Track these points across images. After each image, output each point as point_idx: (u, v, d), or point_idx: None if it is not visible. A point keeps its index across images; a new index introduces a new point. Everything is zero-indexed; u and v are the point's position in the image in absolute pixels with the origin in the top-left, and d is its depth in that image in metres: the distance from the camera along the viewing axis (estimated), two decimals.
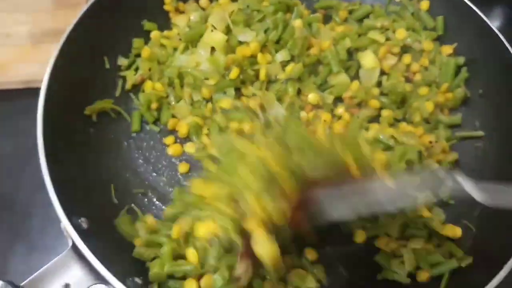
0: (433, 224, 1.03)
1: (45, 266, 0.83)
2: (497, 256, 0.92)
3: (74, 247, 0.85)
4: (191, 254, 0.95)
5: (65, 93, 1.08)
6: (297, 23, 1.23)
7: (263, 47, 1.21)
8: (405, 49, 1.30)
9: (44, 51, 1.06)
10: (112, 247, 0.95)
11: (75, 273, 0.84)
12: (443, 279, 0.99)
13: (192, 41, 1.20)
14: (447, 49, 1.27)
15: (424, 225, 1.03)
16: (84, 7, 1.16)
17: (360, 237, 1.06)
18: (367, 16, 1.36)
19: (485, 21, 1.19)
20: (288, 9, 1.28)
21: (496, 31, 1.17)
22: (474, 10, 1.21)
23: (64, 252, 0.86)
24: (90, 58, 1.19)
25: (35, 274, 0.82)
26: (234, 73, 1.13)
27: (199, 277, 0.94)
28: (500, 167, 1.12)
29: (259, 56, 1.17)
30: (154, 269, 0.92)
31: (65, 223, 0.86)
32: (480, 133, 1.18)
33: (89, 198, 1.00)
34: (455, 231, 1.04)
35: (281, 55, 1.20)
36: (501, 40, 1.15)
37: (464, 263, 0.99)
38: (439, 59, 1.26)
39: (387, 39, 1.29)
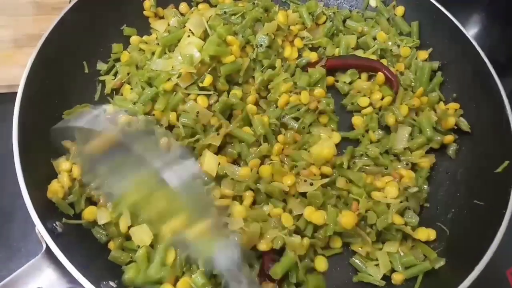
0: (406, 230, 1.04)
1: (18, 271, 0.83)
2: (469, 258, 0.94)
3: (48, 251, 0.85)
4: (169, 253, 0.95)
5: (43, 97, 1.09)
6: (280, 16, 1.26)
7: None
8: (382, 55, 1.32)
9: (27, 55, 1.07)
10: (87, 250, 0.95)
11: (48, 277, 0.84)
12: (417, 281, 1.01)
13: (170, 46, 1.21)
14: (423, 54, 1.30)
15: (397, 230, 1.04)
16: (62, 12, 1.16)
17: (336, 243, 1.07)
18: (344, 20, 1.38)
19: (458, 27, 1.21)
20: (265, 10, 1.30)
21: (469, 36, 1.19)
22: (448, 16, 1.24)
23: (37, 256, 0.86)
24: (69, 63, 1.19)
25: (7, 279, 0.81)
26: (207, 80, 1.14)
27: (175, 282, 0.94)
28: (473, 169, 1.13)
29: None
30: (129, 274, 0.92)
31: (38, 226, 0.86)
32: (454, 136, 1.19)
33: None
34: (429, 234, 1.05)
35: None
36: (474, 46, 1.17)
37: (437, 265, 1.01)
38: (415, 64, 1.28)
39: (365, 44, 1.32)
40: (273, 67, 1.23)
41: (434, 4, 1.27)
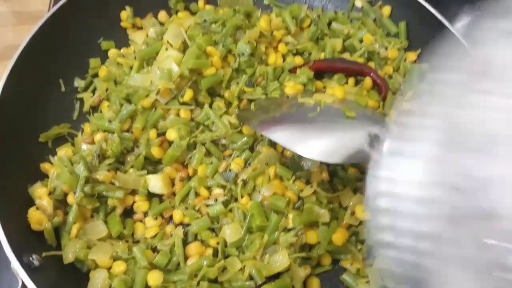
0: None
1: None
2: None
3: None
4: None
5: (17, 119, 1.05)
6: (262, 22, 1.21)
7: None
8: (369, 57, 1.27)
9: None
10: (68, 285, 0.91)
11: None
12: None
13: (148, 59, 1.16)
14: (411, 56, 1.25)
15: None
16: (35, 28, 1.12)
17: (326, 260, 1.03)
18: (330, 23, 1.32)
19: (446, 26, 1.15)
20: (247, 16, 1.25)
21: (458, 35, 1.14)
22: (435, 15, 1.17)
23: None
24: (44, 82, 1.15)
25: None
26: (187, 95, 1.09)
27: None
28: None
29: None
30: None
31: (13, 262, 0.83)
32: None
33: (41, 232, 0.95)
34: None
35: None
36: (463, 45, 1.12)
37: None
38: (404, 66, 1.23)
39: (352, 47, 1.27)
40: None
41: (420, 2, 1.21)
